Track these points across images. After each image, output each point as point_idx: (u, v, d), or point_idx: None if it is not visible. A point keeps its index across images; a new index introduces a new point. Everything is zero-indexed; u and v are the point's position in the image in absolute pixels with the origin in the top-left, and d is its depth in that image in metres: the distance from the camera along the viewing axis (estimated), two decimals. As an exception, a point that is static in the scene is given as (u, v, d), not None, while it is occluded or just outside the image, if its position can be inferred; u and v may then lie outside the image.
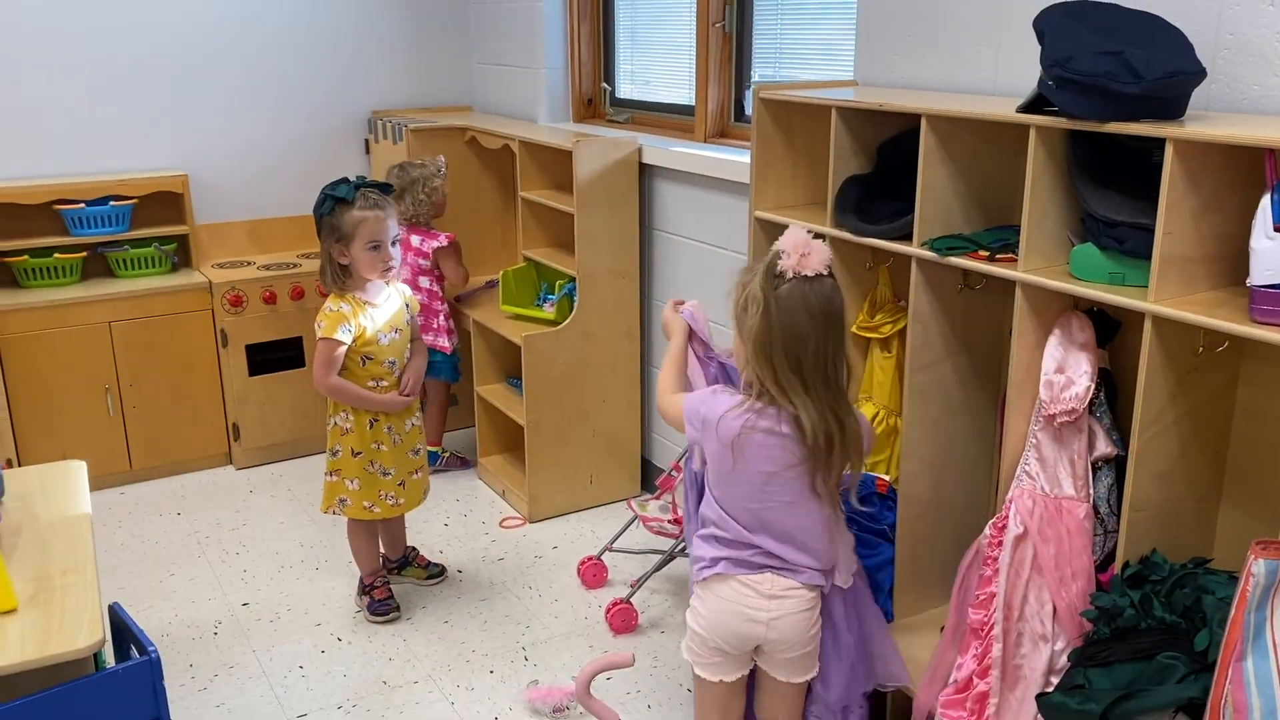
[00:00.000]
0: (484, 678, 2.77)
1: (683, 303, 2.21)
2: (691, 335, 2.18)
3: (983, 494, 2.42)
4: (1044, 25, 1.78)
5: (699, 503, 2.08)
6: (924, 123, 2.08)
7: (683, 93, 3.76)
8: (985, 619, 1.97)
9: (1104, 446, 1.98)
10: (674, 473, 3.15)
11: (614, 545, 3.21)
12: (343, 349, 2.80)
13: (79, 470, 2.44)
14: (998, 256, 2.01)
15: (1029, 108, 1.89)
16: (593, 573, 3.20)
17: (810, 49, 3.23)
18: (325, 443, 2.97)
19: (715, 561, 1.97)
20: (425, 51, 4.50)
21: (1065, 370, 1.93)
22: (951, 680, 2.03)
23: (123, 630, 1.96)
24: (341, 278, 2.83)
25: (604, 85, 4.07)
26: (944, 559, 2.41)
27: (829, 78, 3.21)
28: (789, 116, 2.54)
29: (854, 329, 2.45)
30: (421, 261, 3.73)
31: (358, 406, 2.87)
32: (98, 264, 3.92)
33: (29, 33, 3.78)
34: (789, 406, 1.86)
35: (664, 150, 3.42)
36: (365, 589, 3.07)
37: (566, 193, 3.73)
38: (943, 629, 2.34)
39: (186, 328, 3.89)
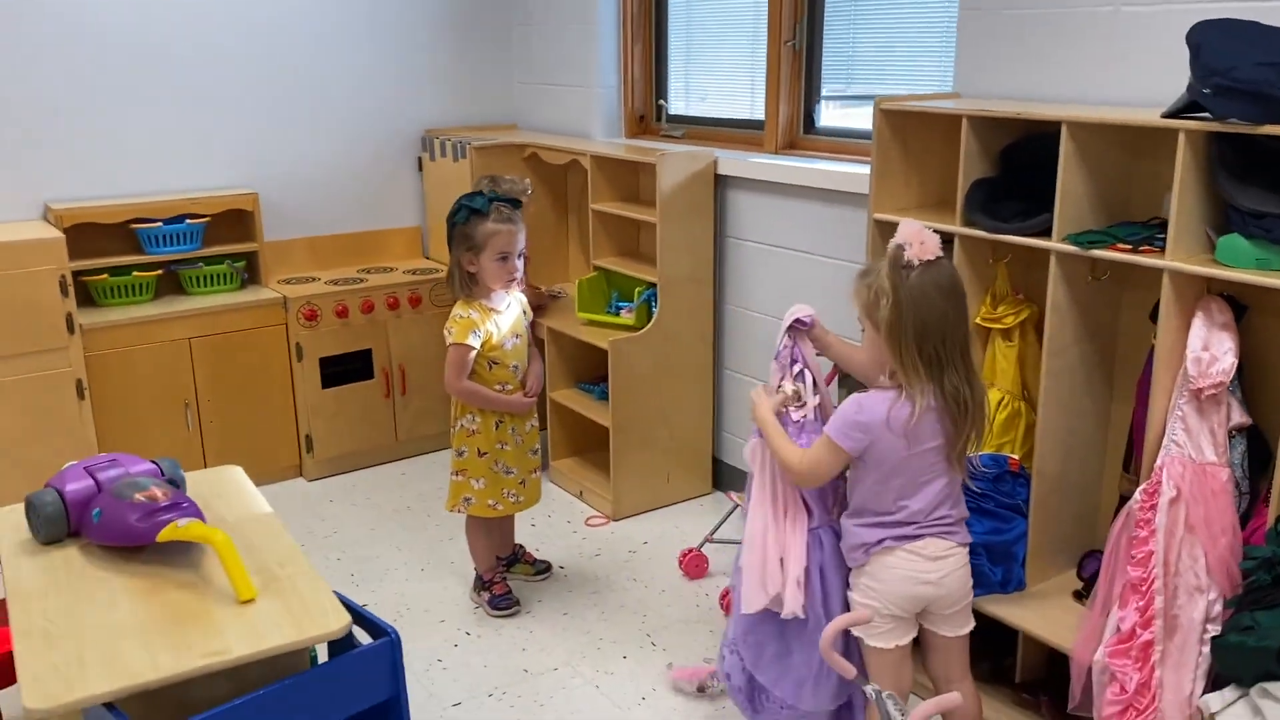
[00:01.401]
0: (619, 663, 2.91)
1: (772, 388, 2.33)
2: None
3: (1097, 470, 2.64)
4: (1199, 39, 2.01)
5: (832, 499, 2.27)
6: (1064, 130, 2.30)
7: (741, 107, 3.96)
8: (1145, 575, 2.18)
9: (1239, 416, 2.21)
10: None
11: (713, 536, 3.37)
12: (473, 354, 2.93)
13: (240, 475, 2.54)
14: (1141, 249, 2.23)
15: (1173, 114, 2.12)
16: (695, 563, 3.35)
17: (883, 63, 3.46)
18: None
19: (879, 541, 2.14)
20: (471, 71, 4.64)
21: (1210, 348, 2.15)
22: (1114, 632, 2.23)
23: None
24: (469, 285, 2.95)
25: (660, 102, 4.25)
26: (1067, 531, 2.63)
27: (904, 90, 3.44)
28: (903, 126, 2.74)
29: (978, 320, 2.65)
30: None
31: (487, 408, 3.00)
32: (168, 281, 3.97)
33: (108, 60, 3.84)
34: (931, 383, 2.05)
35: (740, 161, 3.61)
36: (484, 585, 3.18)
37: (633, 204, 3.92)
38: (1075, 593, 2.56)
39: (262, 342, 3.96)
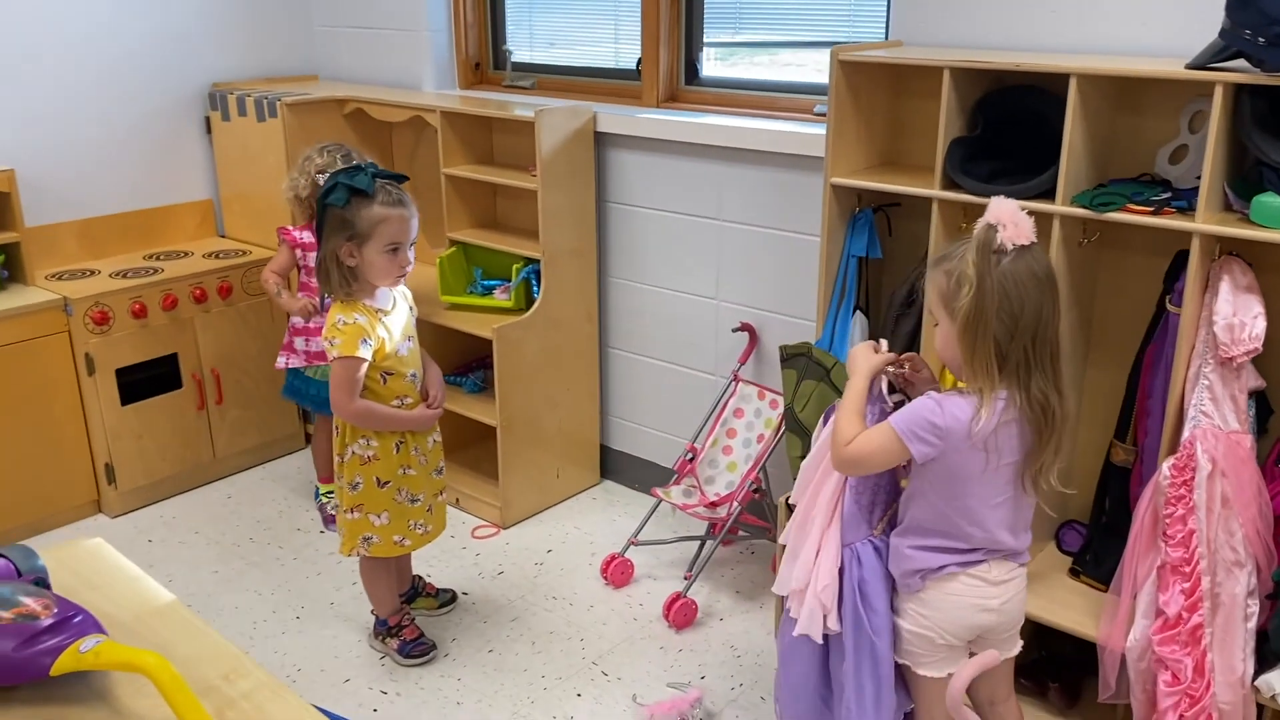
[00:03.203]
0: (575, 703, 2.54)
1: (881, 348, 1.99)
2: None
3: (1071, 439, 2.53)
4: (1248, -13, 1.86)
5: (875, 503, 1.99)
6: (1073, 83, 2.11)
7: (603, 54, 3.57)
8: (1187, 555, 2.08)
9: (1254, 380, 2.14)
10: (689, 454, 3.04)
11: (637, 539, 3.05)
12: (365, 367, 2.41)
13: (105, 549, 1.96)
14: (1164, 211, 2.09)
15: (1200, 65, 1.98)
16: (620, 570, 3.02)
17: (776, 9, 3.17)
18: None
19: (941, 568, 1.90)
20: (261, 14, 3.92)
21: (1239, 313, 2.05)
22: (1152, 618, 2.12)
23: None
24: (348, 282, 2.43)
25: (506, 48, 3.76)
26: (1046, 501, 2.50)
27: (806, 38, 3.19)
28: (855, 81, 2.48)
29: (952, 290, 2.46)
30: None
31: (386, 429, 2.49)
32: (-101, 287, 3.10)
33: None
34: (1017, 389, 1.80)
35: (622, 117, 3.23)
36: (390, 631, 2.69)
37: (488, 166, 3.45)
38: (1070, 570, 2.45)
39: (40, 356, 3.18)
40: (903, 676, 2.01)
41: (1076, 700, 2.42)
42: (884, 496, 1.98)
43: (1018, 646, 2.03)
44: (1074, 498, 2.59)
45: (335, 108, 3.66)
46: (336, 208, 2.37)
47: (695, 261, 3.21)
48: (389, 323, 2.48)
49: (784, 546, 2.07)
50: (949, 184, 2.34)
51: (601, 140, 3.31)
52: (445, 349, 3.45)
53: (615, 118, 3.24)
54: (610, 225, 3.39)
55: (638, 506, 3.42)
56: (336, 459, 2.55)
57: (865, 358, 1.96)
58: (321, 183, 3.01)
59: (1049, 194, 2.21)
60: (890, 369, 1.96)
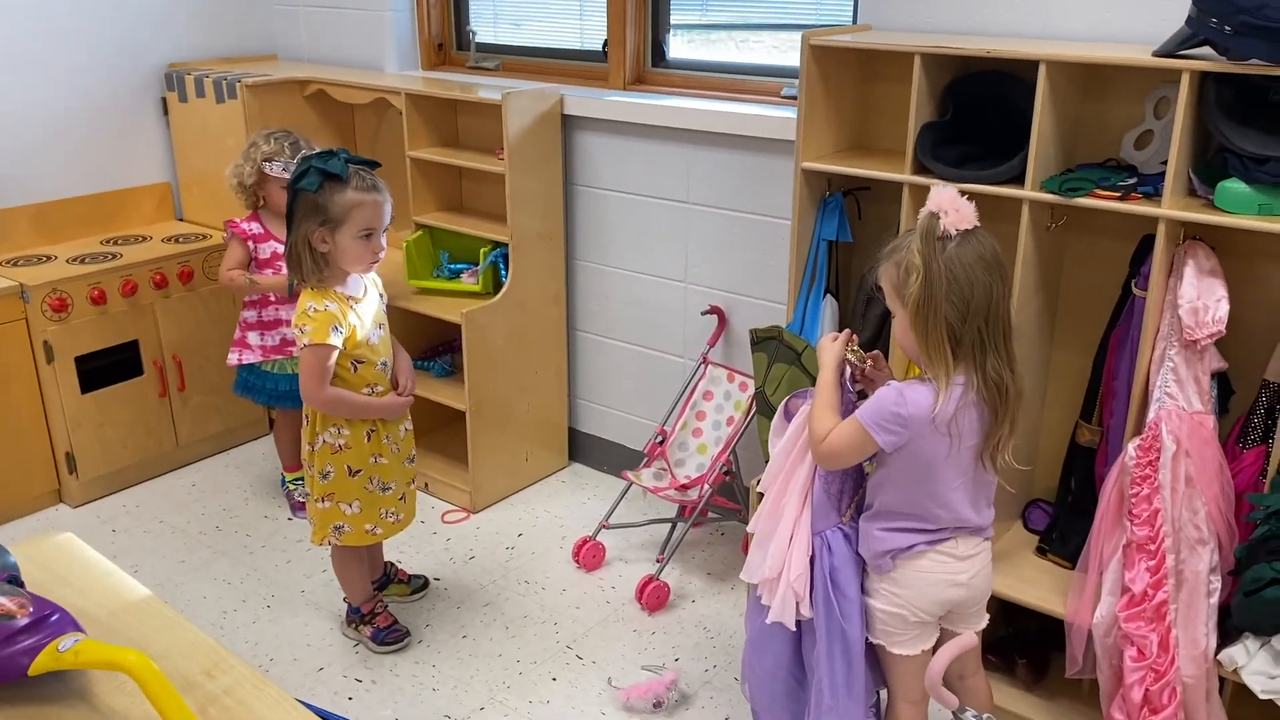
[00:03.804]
0: (550, 687, 2.55)
1: (840, 337, 2.00)
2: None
3: (1036, 420, 2.57)
4: (1218, -24, 1.88)
5: (846, 492, 2.01)
6: (1042, 70, 2.13)
7: (568, 35, 3.54)
8: (1152, 533, 2.12)
9: (1217, 361, 2.18)
10: (659, 436, 3.05)
11: (609, 522, 3.06)
12: (335, 355, 2.39)
13: (76, 544, 1.94)
14: (1130, 196, 2.13)
15: (1167, 53, 2.01)
16: (592, 554, 3.02)
17: (744, -9, 3.17)
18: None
19: (910, 546, 1.92)
20: (217, -9, 3.85)
21: (1203, 297, 2.10)
22: (1118, 595, 2.17)
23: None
24: (319, 268, 2.40)
25: (469, 28, 3.72)
26: (1010, 480, 2.54)
27: (773, 21, 3.19)
28: (825, 65, 2.49)
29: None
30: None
31: (358, 417, 2.47)
32: None
33: None
34: (974, 371, 1.81)
35: (589, 100, 3.22)
36: (363, 618, 2.68)
37: (455, 149, 3.42)
38: (1038, 549, 2.50)
39: (-3, 344, 3.12)
40: (874, 657, 2.04)
41: (1043, 675, 2.47)
42: (851, 484, 2.00)
43: (984, 621, 2.07)
44: (1040, 478, 2.64)
45: (296, 89, 3.60)
46: (309, 192, 2.34)
47: (663, 244, 3.21)
48: (360, 310, 2.46)
49: (753, 534, 2.09)
50: (919, 169, 2.36)
51: (569, 123, 3.29)
52: (412, 333, 3.43)
53: (582, 100, 3.22)
54: (578, 208, 3.38)
55: (607, 489, 3.43)
56: (307, 448, 2.52)
57: (831, 348, 1.97)
58: (268, 170, 3.00)
59: (1018, 179, 2.24)
60: (851, 356, 1.98)
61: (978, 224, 1.82)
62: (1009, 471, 1.96)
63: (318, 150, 2.45)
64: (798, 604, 1.98)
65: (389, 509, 2.58)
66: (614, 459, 3.50)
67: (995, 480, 1.94)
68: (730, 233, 3.06)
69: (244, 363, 3.14)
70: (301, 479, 3.33)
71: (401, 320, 3.36)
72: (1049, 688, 2.45)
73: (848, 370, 1.97)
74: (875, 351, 2.02)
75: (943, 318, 1.78)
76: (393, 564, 2.89)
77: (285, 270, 2.91)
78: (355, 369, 2.45)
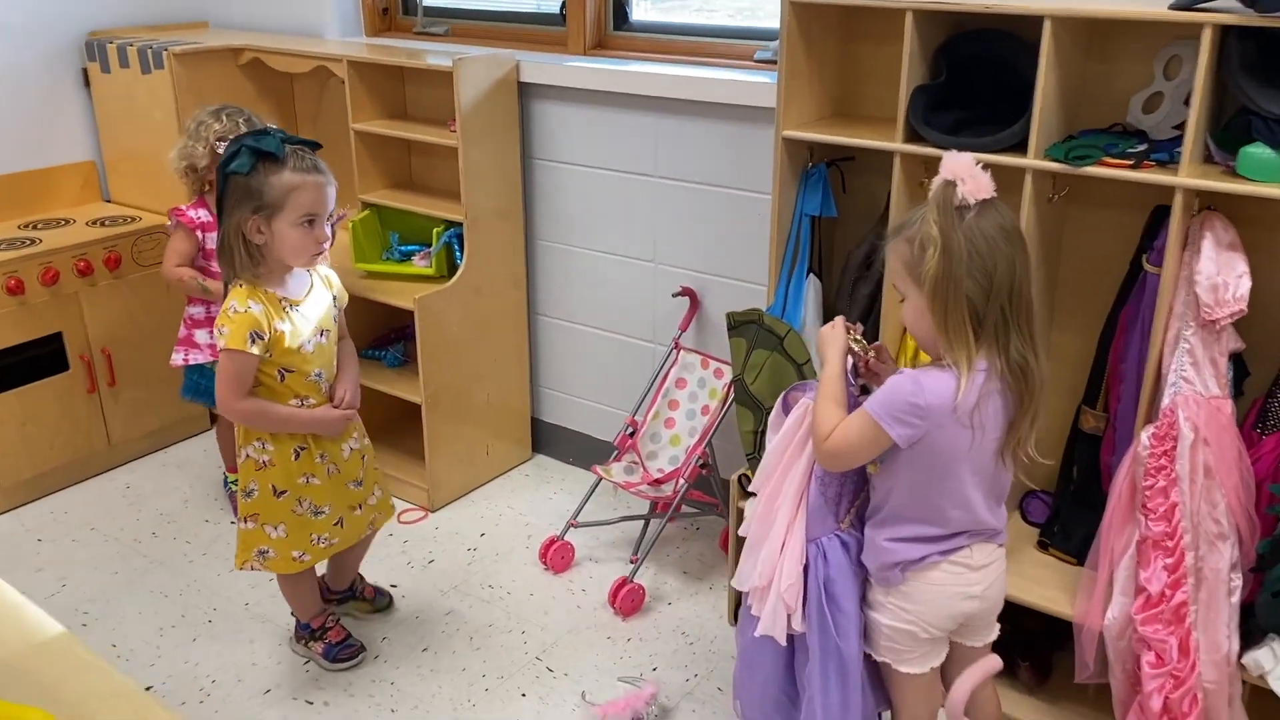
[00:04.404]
0: (520, 704, 2.36)
1: (842, 324, 1.82)
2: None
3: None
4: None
5: (849, 495, 1.83)
6: (1047, 26, 1.95)
7: (520, -1, 3.32)
8: (1169, 529, 1.96)
9: (1235, 342, 2.02)
10: (629, 428, 2.86)
11: (577, 520, 2.86)
12: (253, 363, 2.14)
13: None
14: (1143, 165, 1.96)
15: (1185, 6, 1.83)
16: (560, 554, 2.83)
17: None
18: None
19: (923, 558, 1.75)
20: (141, -48, 3.56)
21: (1223, 273, 1.93)
22: (1132, 596, 2.01)
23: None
24: (254, 262, 2.15)
25: (416, -8, 3.48)
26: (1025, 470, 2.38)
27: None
28: (807, 22, 2.29)
29: (913, 251, 2.30)
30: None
31: (281, 430, 2.23)
32: None
33: None
34: (998, 355, 1.65)
35: (547, 66, 2.99)
36: (313, 634, 2.47)
37: (401, 121, 3.19)
38: (1039, 544, 2.34)
39: (-99, 341, 2.84)
40: (877, 676, 1.87)
41: (1047, 678, 2.32)
42: (851, 487, 1.82)
43: (995, 633, 1.91)
44: (1038, 466, 2.47)
45: (229, 58, 3.33)
46: (240, 175, 2.09)
47: (630, 222, 3.01)
48: (298, 314, 2.20)
49: (743, 538, 1.91)
50: (912, 135, 2.18)
51: (525, 91, 3.06)
52: (362, 321, 3.19)
53: (540, 67, 2.99)
54: (537, 184, 3.16)
55: (573, 482, 3.23)
56: (237, 459, 2.29)
57: (835, 337, 1.79)
58: (222, 151, 2.71)
59: (1018, 147, 2.06)
60: (854, 347, 1.79)
61: (995, 193, 1.64)
62: (1027, 465, 1.79)
63: (269, 128, 2.20)
64: (789, 616, 1.80)
65: (321, 534, 2.31)
66: (580, 450, 3.30)
67: (1011, 478, 1.77)
68: (702, 209, 2.85)
69: (190, 363, 2.88)
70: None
71: (350, 307, 3.10)
72: (1052, 691, 2.30)
73: (849, 362, 1.78)
74: (879, 343, 1.83)
75: (964, 295, 1.60)
76: (362, 577, 2.64)
77: None
78: (282, 378, 2.19)
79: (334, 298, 2.32)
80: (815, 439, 1.73)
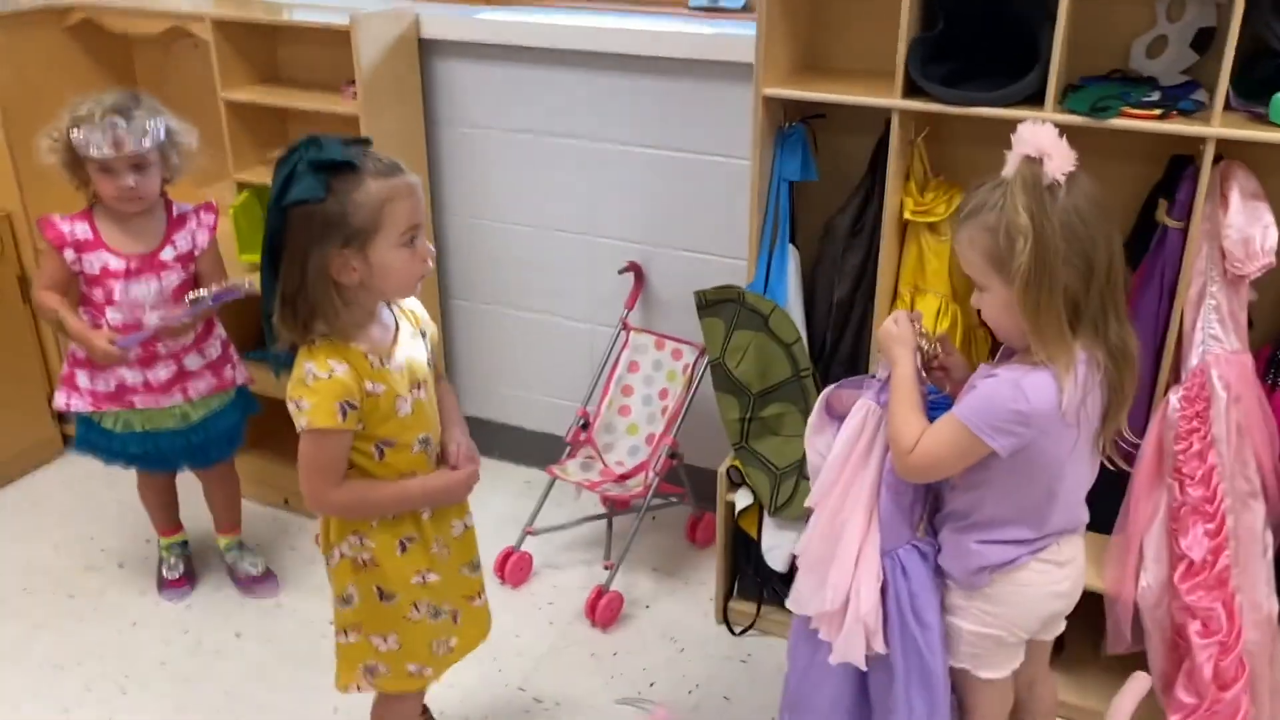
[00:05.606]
0: (515, 747, 2.11)
1: (906, 318, 1.64)
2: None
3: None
4: None
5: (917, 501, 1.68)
6: (1066, -32, 1.80)
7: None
8: (1208, 494, 1.90)
9: (1250, 293, 1.97)
10: (581, 420, 2.61)
11: (533, 527, 2.60)
12: (348, 440, 1.64)
13: None
14: (1171, 115, 1.85)
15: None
16: (518, 566, 2.57)
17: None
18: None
19: (1014, 559, 1.61)
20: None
21: (1251, 225, 1.86)
22: (1167, 564, 1.95)
23: None
24: (335, 315, 1.58)
25: (275, -64, 3.01)
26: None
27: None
28: (783, -32, 2.07)
29: (907, 214, 2.14)
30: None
31: (395, 513, 1.73)
32: None
33: None
34: (1097, 345, 1.51)
35: (454, 19, 2.65)
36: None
37: (274, 86, 2.79)
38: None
39: None
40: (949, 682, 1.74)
41: (1060, 649, 2.25)
42: (921, 491, 1.66)
43: (1063, 624, 1.80)
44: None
45: (54, 19, 2.81)
46: (315, 203, 1.53)
47: (560, 191, 2.72)
48: (392, 366, 1.66)
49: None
50: (911, 89, 2.00)
51: (428, 49, 2.70)
52: (248, 319, 2.78)
53: (443, 20, 2.64)
54: (445, 153, 2.82)
55: (513, 481, 2.96)
56: (327, 564, 1.79)
57: (902, 334, 1.61)
58: (75, 137, 2.13)
59: (1030, 100, 1.92)
60: (921, 342, 1.62)
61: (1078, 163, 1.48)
62: (1121, 449, 1.66)
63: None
64: (868, 638, 1.63)
65: (441, 639, 1.84)
66: (521, 448, 3.02)
67: (1099, 464, 1.64)
68: (643, 174, 2.60)
69: (72, 409, 2.34)
70: (240, 544, 2.62)
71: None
72: (1065, 663, 2.23)
73: (918, 358, 1.61)
74: (943, 334, 1.67)
75: (1061, 286, 1.44)
76: (428, 709, 2.13)
77: (125, 302, 2.18)
78: (380, 455, 1.67)
79: (421, 333, 1.78)
80: (897, 451, 1.55)
